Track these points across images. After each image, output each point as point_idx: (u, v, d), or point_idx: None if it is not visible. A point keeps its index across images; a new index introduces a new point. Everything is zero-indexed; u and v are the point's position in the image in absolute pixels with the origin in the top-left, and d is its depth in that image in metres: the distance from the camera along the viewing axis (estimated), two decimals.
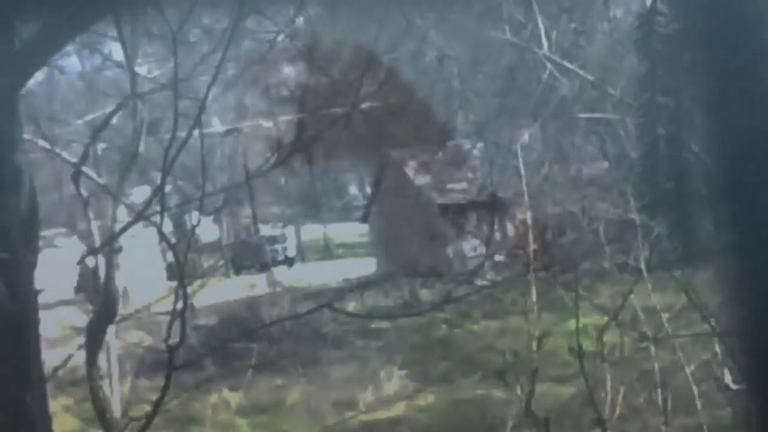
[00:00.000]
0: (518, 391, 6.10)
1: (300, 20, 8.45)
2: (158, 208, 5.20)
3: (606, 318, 6.64)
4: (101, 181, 7.07)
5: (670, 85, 4.57)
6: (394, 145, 13.49)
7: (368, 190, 15.26)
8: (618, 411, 6.52)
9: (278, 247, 15.58)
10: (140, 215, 5.59)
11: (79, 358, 6.86)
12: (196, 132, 5.29)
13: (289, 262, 15.52)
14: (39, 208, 4.18)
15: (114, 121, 7.12)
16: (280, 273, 14.60)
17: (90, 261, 6.97)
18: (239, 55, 7.89)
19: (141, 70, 6.38)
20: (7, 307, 3.90)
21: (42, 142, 6.50)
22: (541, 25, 7.47)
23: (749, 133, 2.74)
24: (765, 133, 2.72)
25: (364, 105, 8.18)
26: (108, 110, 6.93)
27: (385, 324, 11.48)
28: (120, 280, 7.15)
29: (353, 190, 16.28)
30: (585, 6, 8.98)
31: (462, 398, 9.43)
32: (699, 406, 6.52)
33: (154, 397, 5.79)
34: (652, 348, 6.87)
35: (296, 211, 15.96)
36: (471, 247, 12.92)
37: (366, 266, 14.63)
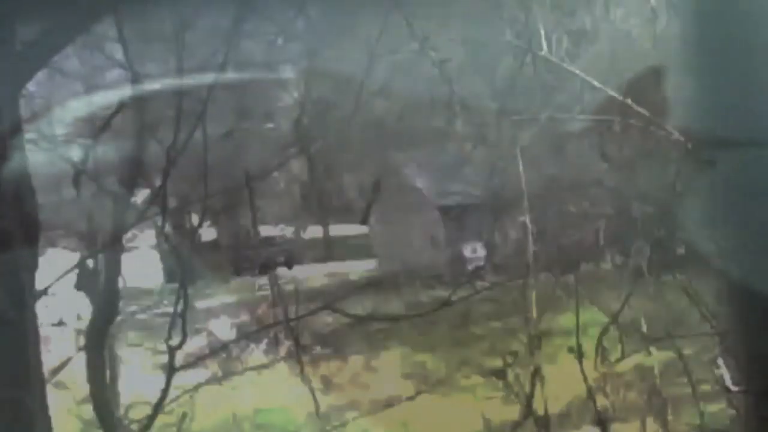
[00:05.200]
0: (518, 392, 6.11)
1: (300, 22, 8.45)
2: (158, 209, 5.22)
3: (606, 319, 6.65)
4: (102, 182, 7.07)
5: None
6: (395, 146, 13.50)
7: (368, 191, 15.26)
8: (618, 411, 6.53)
9: (278, 248, 15.58)
10: (141, 216, 5.61)
11: (80, 359, 6.86)
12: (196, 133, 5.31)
13: (288, 263, 15.51)
14: (39, 208, 4.19)
15: (114, 121, 7.12)
16: (281, 274, 14.58)
17: (89, 262, 6.97)
18: (239, 57, 7.89)
19: (141, 70, 6.38)
20: (7, 308, 3.90)
21: (42, 143, 6.50)
22: (541, 27, 7.47)
23: (750, 133, 2.74)
24: (765, 133, 2.72)
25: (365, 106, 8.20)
26: (108, 111, 6.93)
27: (385, 325, 11.47)
28: (120, 281, 7.16)
29: (353, 191, 16.29)
30: (585, 8, 8.97)
31: (463, 399, 9.43)
32: (699, 406, 6.52)
33: (154, 398, 5.80)
34: (652, 348, 6.87)
35: (296, 212, 15.96)
36: (471, 248, 12.92)
37: (366, 268, 14.63)
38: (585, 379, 6.05)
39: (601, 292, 7.67)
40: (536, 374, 6.32)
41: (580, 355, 5.96)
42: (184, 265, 5.65)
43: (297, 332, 11.02)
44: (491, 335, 10.41)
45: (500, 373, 5.90)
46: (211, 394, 9.75)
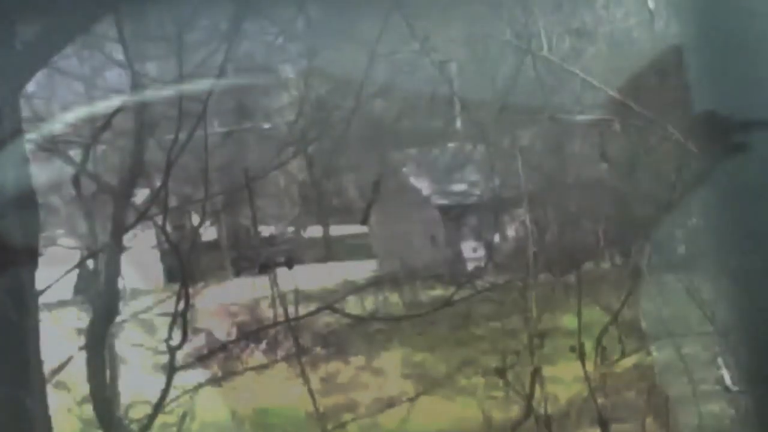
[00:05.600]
0: (519, 392, 6.10)
1: (300, 22, 8.45)
2: (158, 209, 5.22)
3: (606, 319, 6.65)
4: (102, 182, 7.07)
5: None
6: (395, 146, 13.50)
7: (368, 191, 15.25)
8: (617, 411, 6.52)
9: (278, 248, 15.57)
10: (142, 216, 5.61)
11: (80, 360, 6.86)
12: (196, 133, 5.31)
13: (289, 263, 15.49)
14: (39, 209, 4.19)
15: (114, 122, 7.12)
16: (281, 274, 14.58)
17: (89, 262, 6.97)
18: (239, 57, 7.89)
19: (141, 71, 6.38)
20: (7, 308, 3.90)
21: (42, 143, 6.50)
22: (541, 27, 7.48)
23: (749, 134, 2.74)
24: (764, 133, 2.72)
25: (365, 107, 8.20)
26: (108, 111, 6.93)
27: (385, 325, 11.47)
28: (120, 281, 7.15)
29: (353, 191, 16.30)
30: (585, 8, 8.98)
31: (463, 400, 9.43)
32: (699, 406, 6.52)
33: (154, 398, 5.80)
34: (652, 348, 6.86)
35: (296, 212, 15.96)
36: (471, 248, 12.91)
37: (366, 268, 14.62)
38: (587, 378, 6.05)
39: (601, 291, 7.68)
40: (536, 374, 6.31)
41: (582, 354, 5.95)
42: (185, 265, 5.65)
43: (297, 332, 11.03)
44: (491, 335, 10.41)
45: (501, 372, 5.89)
46: (211, 394, 9.75)
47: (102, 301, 6.66)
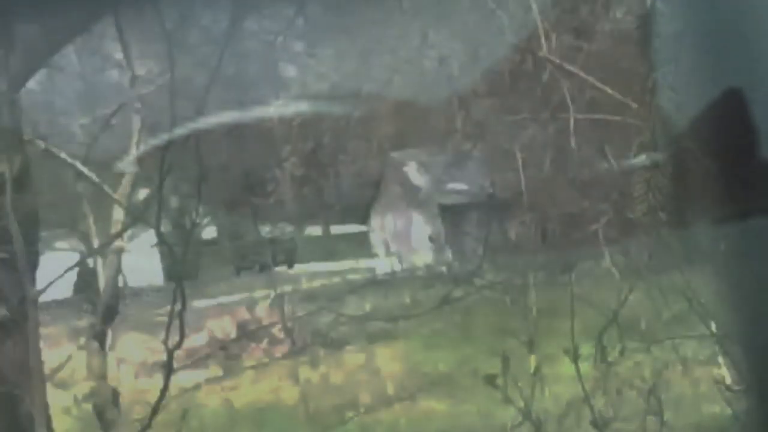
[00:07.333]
0: (516, 394, 6.09)
1: (300, 21, 8.46)
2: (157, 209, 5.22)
3: (605, 319, 6.64)
4: (101, 182, 7.06)
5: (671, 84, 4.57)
6: (394, 145, 13.52)
7: (368, 191, 15.27)
8: (616, 413, 6.52)
9: (278, 248, 15.60)
10: (139, 216, 5.61)
11: (79, 359, 6.87)
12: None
13: (289, 263, 15.52)
14: (39, 208, 4.19)
15: (113, 122, 7.13)
16: (281, 274, 14.63)
17: (89, 262, 6.97)
18: (239, 56, 7.89)
19: (141, 70, 6.38)
20: (7, 308, 3.91)
21: (42, 143, 6.50)
22: (540, 26, 7.47)
23: (748, 132, 2.74)
24: (763, 132, 2.72)
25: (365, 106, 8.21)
26: (108, 111, 6.94)
27: (384, 325, 11.48)
28: (120, 281, 7.15)
29: (353, 191, 16.32)
30: (585, 6, 8.98)
31: (461, 400, 9.44)
32: (699, 406, 6.53)
33: (153, 397, 5.79)
34: (652, 349, 6.87)
35: (296, 212, 15.97)
36: (470, 247, 12.93)
37: (366, 267, 14.65)
38: (580, 380, 6.04)
39: (601, 291, 7.68)
40: (536, 374, 6.31)
41: (575, 357, 5.95)
42: (182, 265, 5.65)
43: (296, 331, 11.03)
44: (490, 335, 10.42)
45: (492, 379, 5.87)
46: (211, 394, 9.76)
47: (102, 300, 6.66)
